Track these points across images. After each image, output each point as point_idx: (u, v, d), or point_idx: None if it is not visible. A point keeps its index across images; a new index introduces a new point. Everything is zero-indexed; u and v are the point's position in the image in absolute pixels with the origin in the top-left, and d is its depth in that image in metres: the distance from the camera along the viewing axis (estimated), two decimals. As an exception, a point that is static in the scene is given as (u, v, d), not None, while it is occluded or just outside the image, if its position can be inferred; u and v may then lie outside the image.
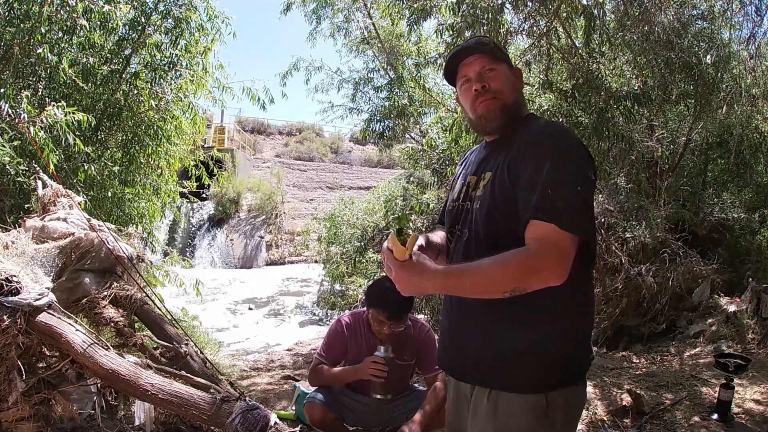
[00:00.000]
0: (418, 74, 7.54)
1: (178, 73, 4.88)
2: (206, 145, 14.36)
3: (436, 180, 6.00)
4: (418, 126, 7.98)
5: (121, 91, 4.69)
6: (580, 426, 2.67)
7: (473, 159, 1.44)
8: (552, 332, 1.20)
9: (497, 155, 1.30)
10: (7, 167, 3.37)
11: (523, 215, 1.15)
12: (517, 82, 1.36)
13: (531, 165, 1.19)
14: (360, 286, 7.52)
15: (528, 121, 1.32)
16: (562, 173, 1.15)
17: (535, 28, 4.27)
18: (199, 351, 2.83)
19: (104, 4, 4.14)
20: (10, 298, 2.09)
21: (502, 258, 1.12)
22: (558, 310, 1.19)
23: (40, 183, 3.20)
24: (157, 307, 2.97)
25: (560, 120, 4.11)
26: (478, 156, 1.42)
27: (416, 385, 2.79)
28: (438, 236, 1.48)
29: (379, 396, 2.36)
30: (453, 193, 1.44)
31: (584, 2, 4.06)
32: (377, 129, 7.75)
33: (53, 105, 3.50)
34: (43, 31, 3.95)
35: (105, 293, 2.77)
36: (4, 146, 3.34)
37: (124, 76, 4.77)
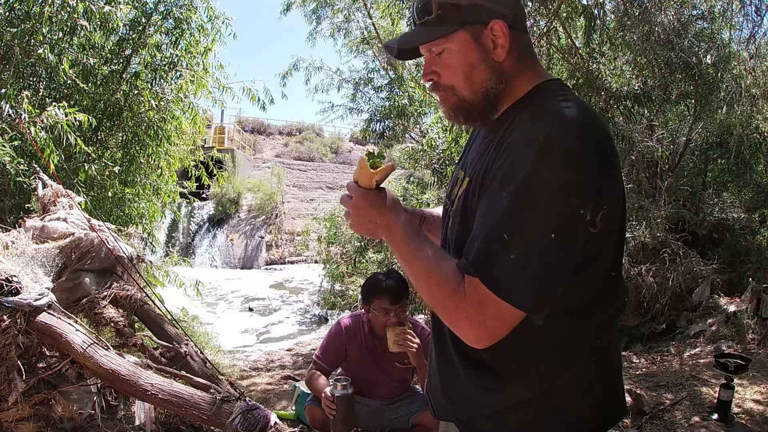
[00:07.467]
0: (418, 74, 7.54)
1: (178, 73, 4.89)
2: (206, 145, 14.34)
3: (436, 180, 5.99)
4: (418, 126, 7.97)
5: (122, 92, 4.70)
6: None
7: (474, 140, 1.10)
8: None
9: (486, 149, 0.95)
10: (8, 167, 3.37)
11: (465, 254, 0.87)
12: (482, 56, 0.92)
13: (495, 183, 0.85)
14: (360, 286, 7.51)
15: (527, 102, 0.93)
16: (531, 208, 0.80)
17: (535, 28, 4.27)
18: (199, 351, 2.83)
19: (105, 4, 4.15)
20: (10, 298, 2.09)
21: (438, 262, 0.88)
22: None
23: (40, 183, 3.20)
24: (157, 307, 2.97)
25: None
26: (478, 137, 1.07)
27: (417, 387, 2.79)
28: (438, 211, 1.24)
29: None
30: (449, 184, 1.13)
31: (584, 2, 4.07)
32: (377, 129, 7.74)
33: (54, 105, 3.50)
34: (43, 31, 3.96)
35: (105, 293, 2.77)
36: (4, 146, 3.34)
37: (124, 76, 4.78)
